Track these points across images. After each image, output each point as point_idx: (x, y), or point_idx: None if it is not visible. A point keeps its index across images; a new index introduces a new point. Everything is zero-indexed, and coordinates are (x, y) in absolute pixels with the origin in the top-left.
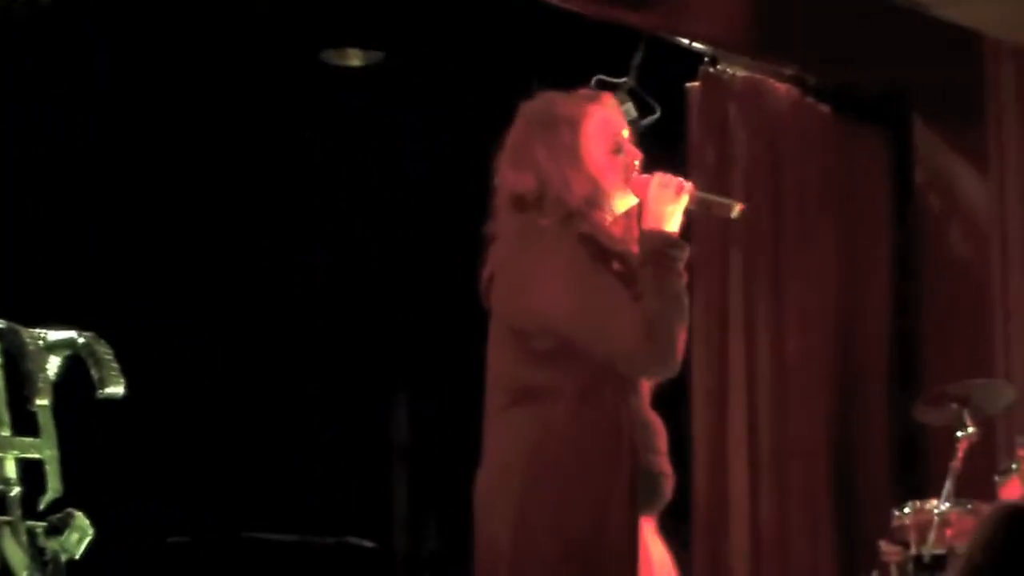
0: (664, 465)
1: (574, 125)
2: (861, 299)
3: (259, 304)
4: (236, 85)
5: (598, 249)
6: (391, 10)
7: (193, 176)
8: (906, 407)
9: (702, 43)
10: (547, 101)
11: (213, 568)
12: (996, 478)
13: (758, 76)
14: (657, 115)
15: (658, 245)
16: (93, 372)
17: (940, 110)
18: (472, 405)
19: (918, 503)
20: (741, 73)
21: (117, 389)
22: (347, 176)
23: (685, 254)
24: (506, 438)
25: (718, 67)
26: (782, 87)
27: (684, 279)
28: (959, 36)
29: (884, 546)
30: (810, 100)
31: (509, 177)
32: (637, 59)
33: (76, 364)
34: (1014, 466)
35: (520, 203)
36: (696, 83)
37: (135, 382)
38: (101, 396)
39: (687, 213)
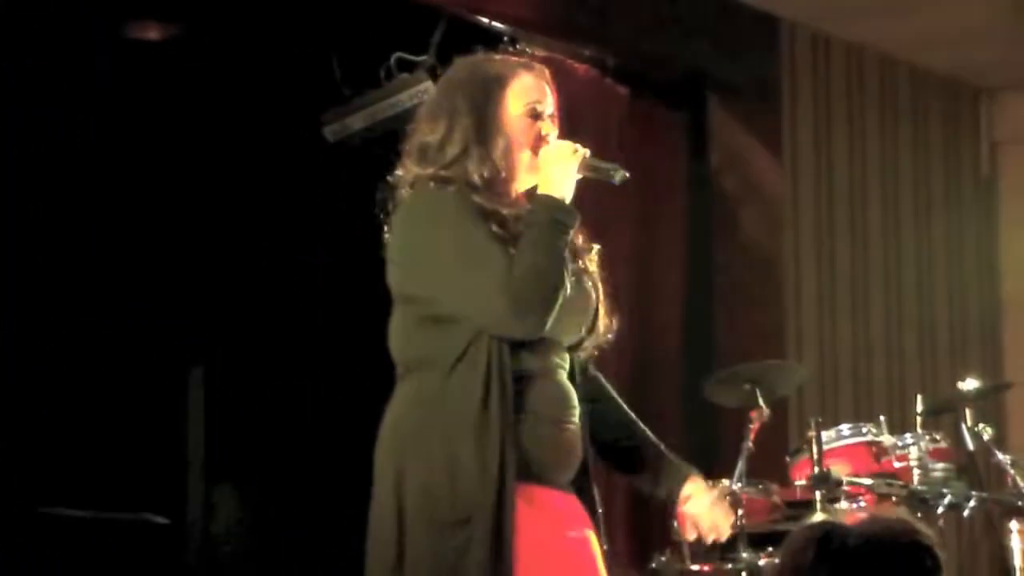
0: (571, 438)
1: (501, 82)
2: (656, 280)
3: (52, 281)
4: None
5: (477, 209)
6: None
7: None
8: (699, 388)
9: (501, 22)
10: (480, 59)
11: (4, 544)
12: (787, 458)
13: (557, 56)
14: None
15: (547, 208)
16: None
17: (736, 93)
18: (269, 381)
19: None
20: (540, 53)
21: None
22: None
23: (575, 221)
24: (388, 412)
25: (517, 47)
26: (581, 68)
27: (565, 246)
28: (756, 20)
29: (676, 525)
30: (608, 81)
31: (422, 127)
32: (436, 37)
33: None
34: (804, 446)
35: (423, 153)
36: None
37: None
38: None
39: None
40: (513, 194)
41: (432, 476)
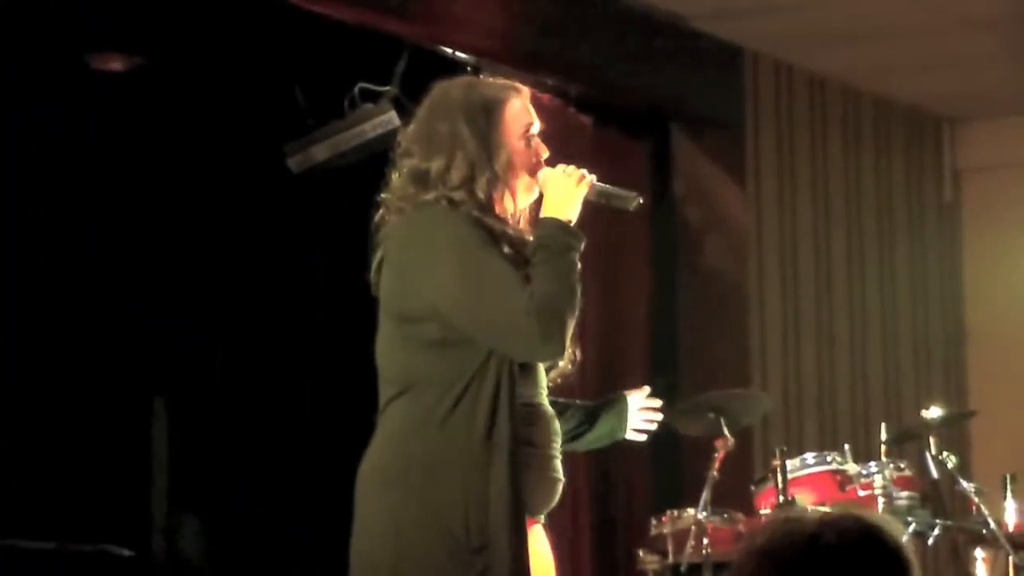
0: (559, 468)
1: (500, 104)
2: (620, 309)
3: (11, 306)
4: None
5: (487, 231)
6: (153, 14)
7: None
8: (663, 417)
9: (465, 53)
10: (470, 84)
11: None
12: (752, 487)
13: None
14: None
15: (555, 232)
16: None
17: (699, 123)
18: (234, 411)
19: (675, 512)
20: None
21: None
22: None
23: (581, 244)
24: (381, 434)
25: (481, 77)
26: (544, 98)
27: (578, 269)
28: (718, 50)
29: (642, 554)
30: (572, 111)
31: (414, 151)
32: (400, 67)
33: None
34: (769, 475)
35: (419, 178)
36: None
37: None
38: None
39: (587, 204)
40: (513, 216)
41: (444, 503)
